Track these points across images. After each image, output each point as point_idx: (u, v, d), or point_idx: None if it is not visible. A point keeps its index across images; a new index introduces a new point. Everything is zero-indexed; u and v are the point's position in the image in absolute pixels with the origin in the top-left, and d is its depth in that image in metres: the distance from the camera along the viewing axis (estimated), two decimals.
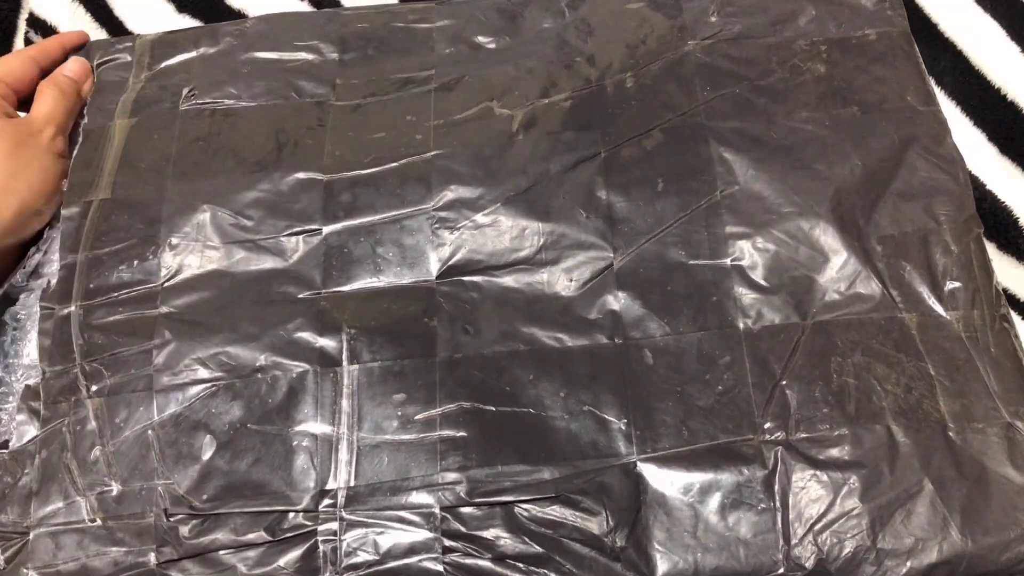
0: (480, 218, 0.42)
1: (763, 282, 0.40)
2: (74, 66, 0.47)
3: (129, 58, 0.48)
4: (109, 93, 0.47)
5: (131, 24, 0.53)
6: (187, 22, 0.52)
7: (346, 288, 0.41)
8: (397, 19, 0.49)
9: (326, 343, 0.40)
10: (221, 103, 0.46)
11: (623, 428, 0.38)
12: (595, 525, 0.36)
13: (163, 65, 0.48)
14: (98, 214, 0.43)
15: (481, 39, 0.48)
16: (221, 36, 0.49)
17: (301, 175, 0.43)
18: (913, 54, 0.46)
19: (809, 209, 0.41)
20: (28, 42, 0.52)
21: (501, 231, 0.42)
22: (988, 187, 0.46)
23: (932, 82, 0.46)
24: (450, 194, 0.43)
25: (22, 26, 0.53)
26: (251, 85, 0.46)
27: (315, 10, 0.52)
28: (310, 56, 0.47)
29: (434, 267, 0.41)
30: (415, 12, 0.49)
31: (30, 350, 0.41)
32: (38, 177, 0.42)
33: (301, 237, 0.42)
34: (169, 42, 0.49)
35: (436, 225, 0.42)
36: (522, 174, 0.43)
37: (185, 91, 0.46)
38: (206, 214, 0.42)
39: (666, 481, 0.37)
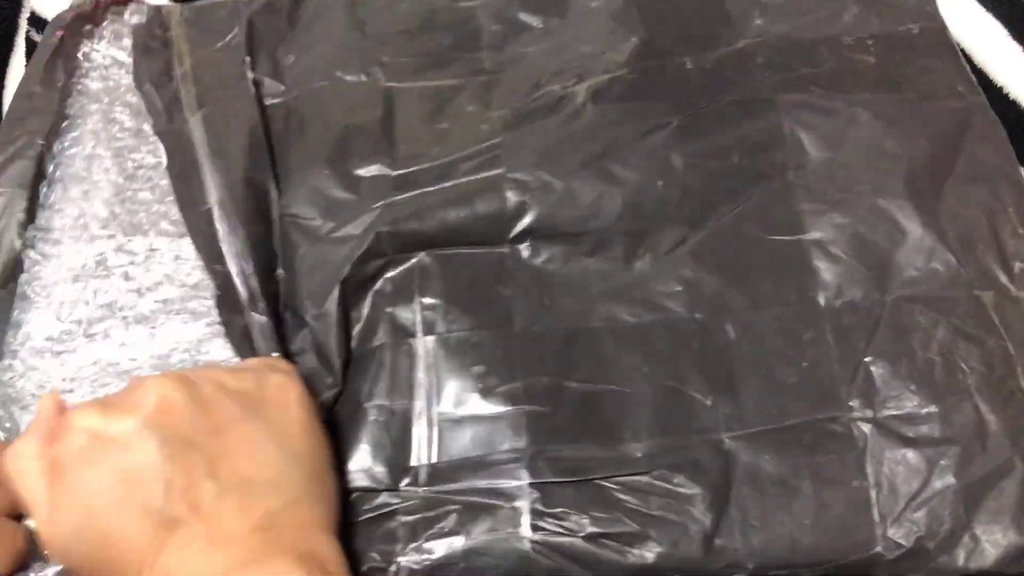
0: (555, 183, 0.40)
1: (842, 256, 0.39)
2: None
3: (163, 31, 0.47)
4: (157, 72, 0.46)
5: None
6: None
7: (412, 254, 0.39)
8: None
9: (398, 314, 0.38)
10: (277, 99, 0.45)
11: (708, 405, 0.36)
12: (688, 502, 0.34)
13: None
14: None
15: (525, 17, 0.47)
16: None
17: (369, 171, 0.42)
18: (953, 47, 0.46)
19: (883, 185, 0.41)
20: (29, 41, 0.51)
21: (575, 196, 0.40)
22: None
23: None
24: (521, 160, 0.41)
25: (23, 25, 0.52)
26: (302, 73, 0.45)
27: None
28: (352, 40, 0.46)
29: (507, 228, 0.40)
30: None
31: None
32: None
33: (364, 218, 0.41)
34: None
35: (509, 187, 0.40)
36: (593, 140, 0.41)
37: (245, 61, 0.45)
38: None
39: (757, 458, 0.35)
